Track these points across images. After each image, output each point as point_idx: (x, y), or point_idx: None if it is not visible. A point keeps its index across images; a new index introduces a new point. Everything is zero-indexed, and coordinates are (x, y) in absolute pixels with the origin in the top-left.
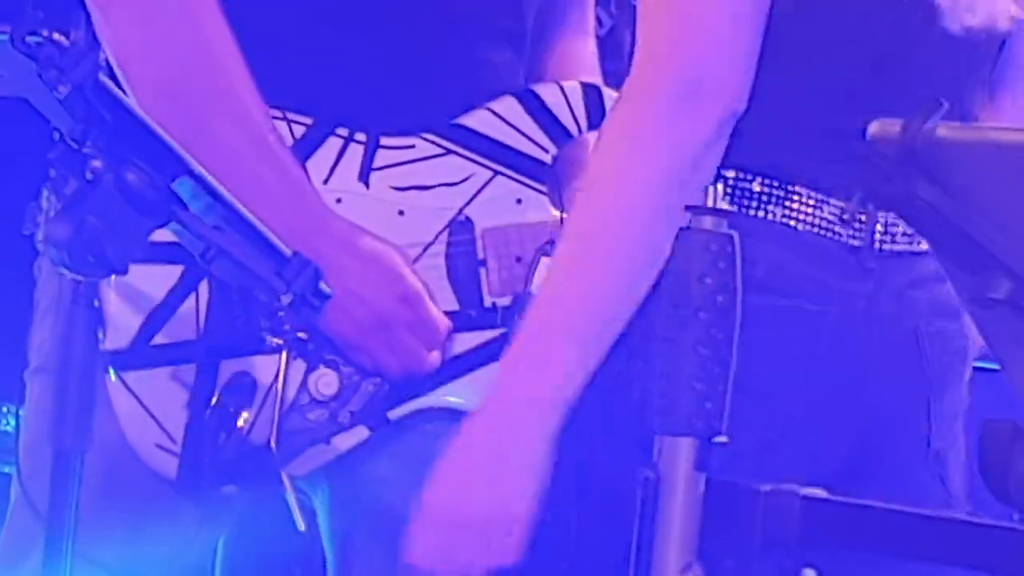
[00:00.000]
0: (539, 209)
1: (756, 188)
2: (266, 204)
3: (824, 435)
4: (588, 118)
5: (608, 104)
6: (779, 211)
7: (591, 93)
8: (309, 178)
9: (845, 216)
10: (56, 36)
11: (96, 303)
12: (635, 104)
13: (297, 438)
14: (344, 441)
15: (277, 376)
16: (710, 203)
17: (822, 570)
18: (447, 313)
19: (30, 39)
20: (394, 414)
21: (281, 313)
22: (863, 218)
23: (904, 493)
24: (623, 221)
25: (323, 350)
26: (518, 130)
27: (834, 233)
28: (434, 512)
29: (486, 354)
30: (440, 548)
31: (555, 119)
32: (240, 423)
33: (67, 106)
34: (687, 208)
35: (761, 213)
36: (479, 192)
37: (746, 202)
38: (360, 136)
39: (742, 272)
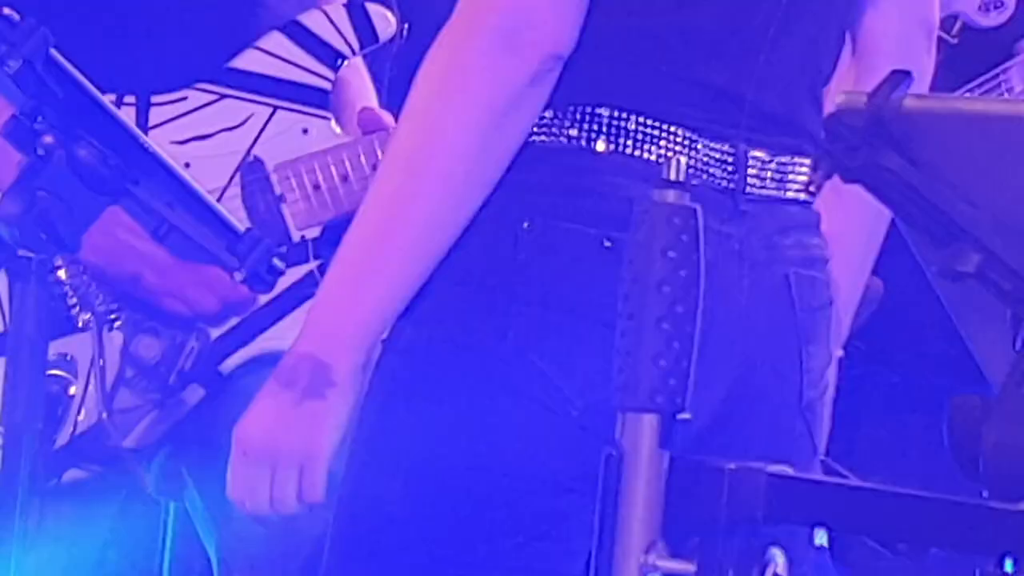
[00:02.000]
0: (328, 135)
1: (631, 126)
2: None
3: (699, 381)
4: (358, 37)
5: (375, 19)
6: (655, 150)
7: (356, 11)
8: None
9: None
10: (6, 11)
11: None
12: (455, 42)
13: (133, 412)
14: (181, 403)
15: (96, 354)
16: (671, 176)
17: (788, 548)
18: None
19: None
20: (225, 367)
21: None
22: (731, 159)
23: (776, 444)
24: (438, 157)
25: (137, 316)
26: (290, 62)
27: (708, 175)
28: (243, 447)
29: (303, 289)
30: (249, 482)
31: (325, 44)
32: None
33: (18, 81)
34: (654, 183)
35: (638, 152)
36: (262, 130)
37: (622, 140)
38: (129, 99)
39: (617, 210)
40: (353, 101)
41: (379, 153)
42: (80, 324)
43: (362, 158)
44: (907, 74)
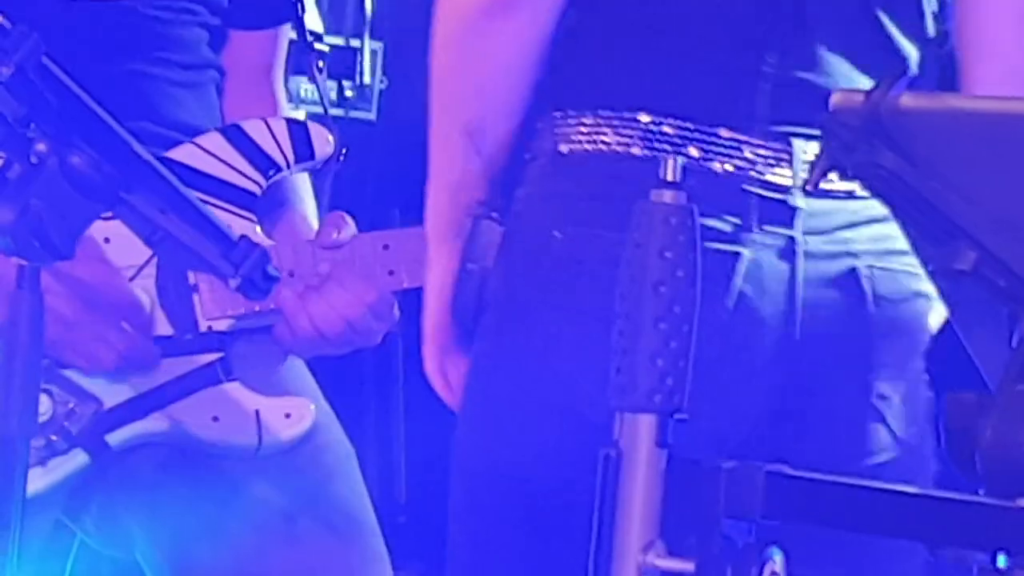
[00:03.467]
0: (250, 235)
1: (669, 131)
2: None
3: (743, 381)
4: (294, 150)
5: (315, 138)
6: (696, 153)
7: (297, 128)
8: None
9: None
10: None
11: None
12: None
13: None
14: (62, 465)
15: None
16: (668, 176)
17: (786, 547)
18: (162, 339)
19: None
20: (112, 438)
21: None
22: (786, 157)
23: (837, 437)
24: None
25: None
26: (225, 163)
27: (756, 173)
28: None
29: (203, 378)
30: None
31: (262, 152)
32: None
33: (10, 88)
34: (652, 185)
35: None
36: None
37: (660, 145)
38: None
39: None
40: (290, 210)
41: (297, 258)
42: None
43: (279, 261)
44: (904, 72)
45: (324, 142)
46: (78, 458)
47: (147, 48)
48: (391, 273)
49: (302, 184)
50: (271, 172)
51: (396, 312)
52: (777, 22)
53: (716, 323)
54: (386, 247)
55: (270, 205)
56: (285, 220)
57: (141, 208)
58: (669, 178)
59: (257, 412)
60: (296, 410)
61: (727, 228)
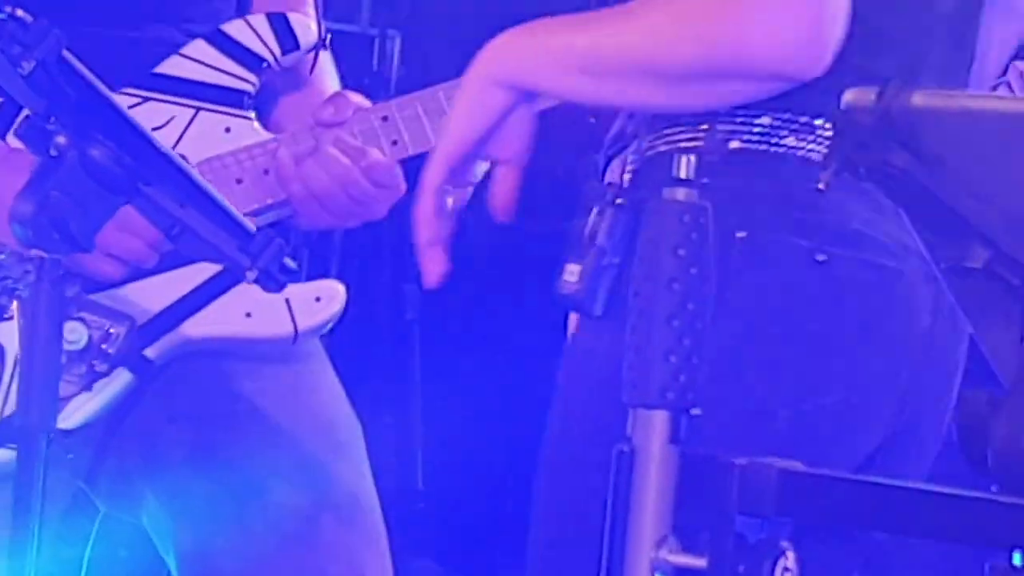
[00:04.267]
0: (250, 133)
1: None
2: None
3: (886, 403)
4: (279, 43)
5: (296, 27)
6: None
7: (277, 20)
8: None
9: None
10: (19, 12)
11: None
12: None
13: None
14: (107, 387)
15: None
16: (682, 174)
17: (799, 543)
18: None
19: None
20: (151, 352)
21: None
22: None
23: (929, 453)
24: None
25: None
26: (213, 67)
27: None
28: None
29: (229, 277)
30: None
31: (246, 49)
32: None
33: (31, 82)
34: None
35: None
36: (186, 130)
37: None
38: None
39: (832, 223)
40: (298, 92)
41: (298, 133)
42: (8, 315)
43: (282, 151)
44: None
45: (306, 30)
46: (122, 377)
47: (174, 16)
48: (394, 143)
49: (299, 71)
50: (260, 67)
51: (401, 183)
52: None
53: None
54: (385, 118)
55: (268, 97)
56: (282, 108)
57: (160, 201)
58: (682, 175)
59: (287, 300)
60: (326, 292)
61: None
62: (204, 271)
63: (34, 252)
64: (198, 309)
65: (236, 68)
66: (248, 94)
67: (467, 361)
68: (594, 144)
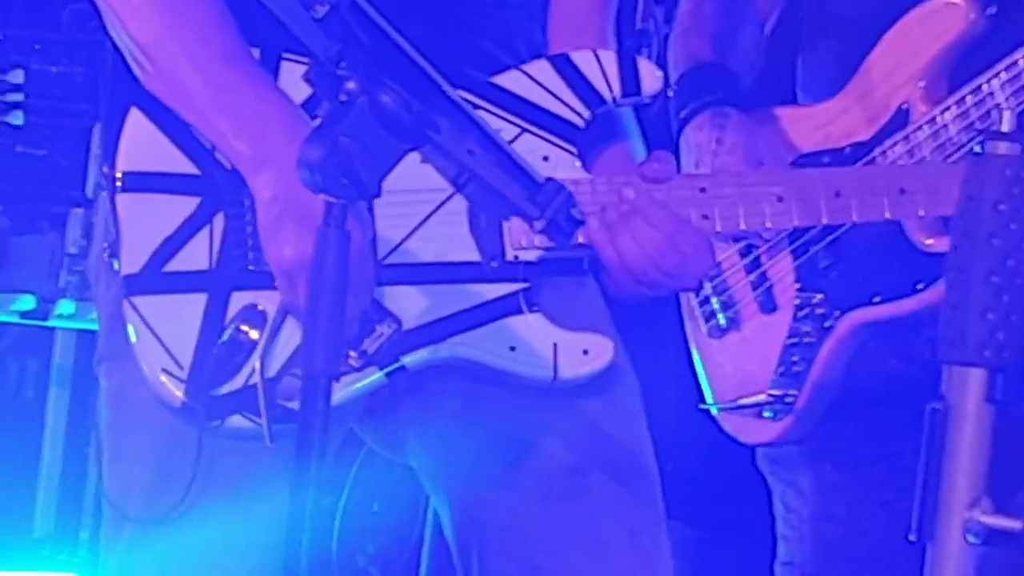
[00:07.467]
0: (567, 167)
1: None
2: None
3: None
4: (622, 84)
5: (643, 72)
6: None
7: (626, 61)
8: None
9: None
10: None
11: None
12: None
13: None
14: (354, 383)
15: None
16: (1005, 127)
17: None
18: (467, 264)
19: None
20: (408, 359)
21: None
22: None
23: None
24: None
25: None
26: (549, 91)
27: None
28: None
29: (504, 307)
30: None
31: (588, 84)
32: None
33: (323, 26)
34: (979, 133)
35: None
36: None
37: None
38: None
39: None
40: (614, 145)
41: (611, 192)
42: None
43: (593, 194)
44: None
45: (653, 78)
46: (372, 376)
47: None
48: (705, 217)
49: (628, 119)
50: (596, 105)
51: (711, 258)
52: None
53: None
54: (703, 190)
55: (596, 138)
56: (608, 154)
57: (449, 148)
58: (1005, 128)
59: (555, 345)
60: (594, 347)
61: None
62: (483, 293)
63: (322, 197)
64: (467, 330)
65: (572, 99)
66: (577, 128)
67: None
68: None
